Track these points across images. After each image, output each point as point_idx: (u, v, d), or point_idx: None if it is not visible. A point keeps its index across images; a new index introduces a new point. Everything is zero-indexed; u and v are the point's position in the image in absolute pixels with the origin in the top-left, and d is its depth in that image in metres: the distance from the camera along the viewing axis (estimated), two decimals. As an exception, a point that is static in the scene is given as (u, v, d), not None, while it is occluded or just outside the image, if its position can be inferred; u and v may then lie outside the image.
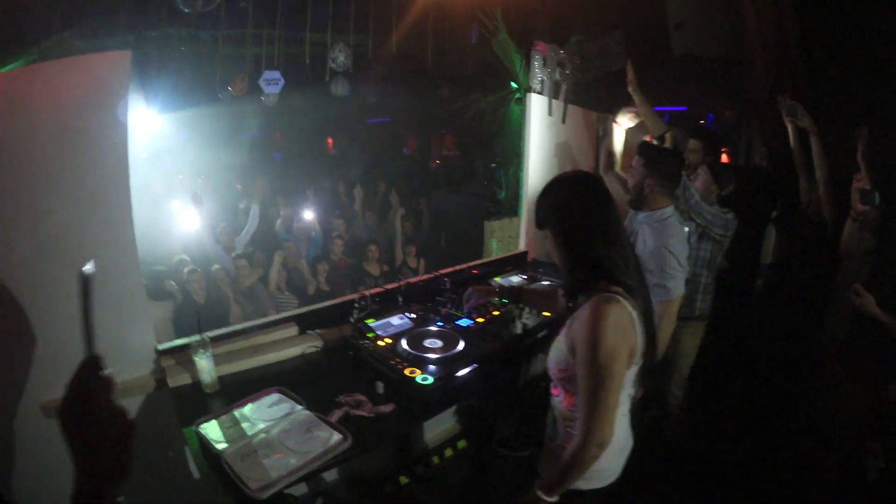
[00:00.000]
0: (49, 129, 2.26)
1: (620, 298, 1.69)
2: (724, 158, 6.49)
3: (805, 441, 3.43)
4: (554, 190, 1.89)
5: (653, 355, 1.87)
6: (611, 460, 1.90)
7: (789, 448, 3.57)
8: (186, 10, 5.81)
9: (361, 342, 2.64)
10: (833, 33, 4.31)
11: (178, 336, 2.78)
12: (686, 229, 3.21)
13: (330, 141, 8.16)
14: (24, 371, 2.40)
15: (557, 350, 1.86)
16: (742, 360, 4.22)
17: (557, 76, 4.47)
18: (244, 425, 2.10)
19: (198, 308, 4.05)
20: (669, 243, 2.74)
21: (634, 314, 1.71)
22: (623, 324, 1.68)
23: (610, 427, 1.68)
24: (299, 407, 2.20)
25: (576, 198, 1.83)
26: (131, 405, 2.63)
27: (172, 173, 5.97)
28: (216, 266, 4.45)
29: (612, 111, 4.80)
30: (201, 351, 2.38)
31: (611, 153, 4.67)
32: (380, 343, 2.63)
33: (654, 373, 2.10)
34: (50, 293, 2.35)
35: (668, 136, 3.86)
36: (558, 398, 1.93)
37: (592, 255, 1.76)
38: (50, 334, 2.40)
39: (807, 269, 3.78)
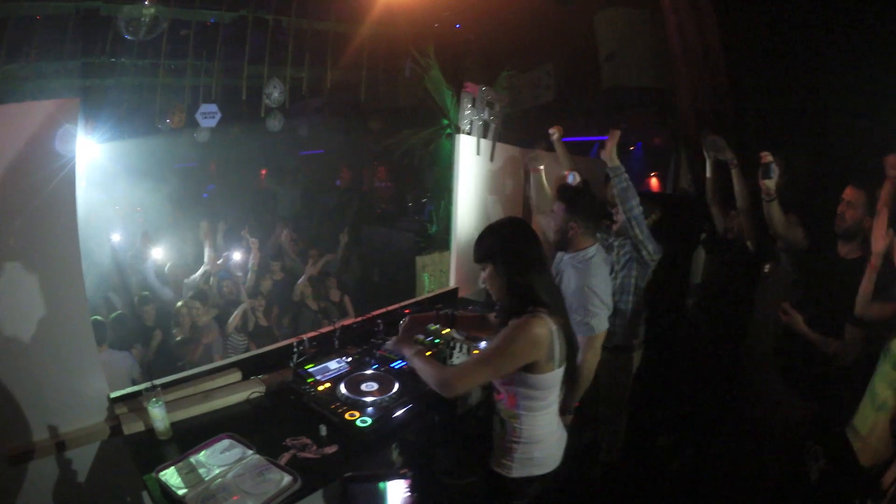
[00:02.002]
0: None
1: (544, 315, 2.16)
2: (654, 183, 6.89)
3: (745, 448, 3.69)
4: (493, 232, 2.37)
5: (573, 370, 2.38)
6: (551, 449, 2.40)
7: (730, 456, 3.86)
8: (129, 38, 5.92)
9: (303, 387, 2.86)
10: (760, 62, 4.55)
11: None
12: (610, 262, 3.50)
13: (263, 172, 8.25)
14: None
15: None
16: (676, 375, 4.50)
17: (486, 115, 4.66)
18: (201, 471, 2.29)
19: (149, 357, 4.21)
20: (592, 282, 3.01)
21: (554, 328, 2.18)
22: (542, 333, 2.14)
23: (462, 385, 2.27)
24: (250, 451, 2.40)
25: (512, 238, 2.31)
26: (87, 453, 2.74)
27: (108, 204, 6.04)
28: (180, 303, 4.63)
29: (527, 153, 5.03)
30: (153, 400, 2.52)
31: (538, 196, 4.86)
32: (320, 388, 2.85)
33: (573, 391, 2.56)
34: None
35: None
36: (502, 401, 2.35)
37: (525, 284, 2.21)
38: (4, 381, 2.50)
39: (730, 288, 4.03)
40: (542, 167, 4.77)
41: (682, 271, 4.91)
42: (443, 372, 2.28)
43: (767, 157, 3.27)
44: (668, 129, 6.23)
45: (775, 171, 3.24)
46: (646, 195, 3.86)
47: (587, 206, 3.23)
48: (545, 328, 2.15)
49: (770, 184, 3.26)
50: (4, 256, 2.43)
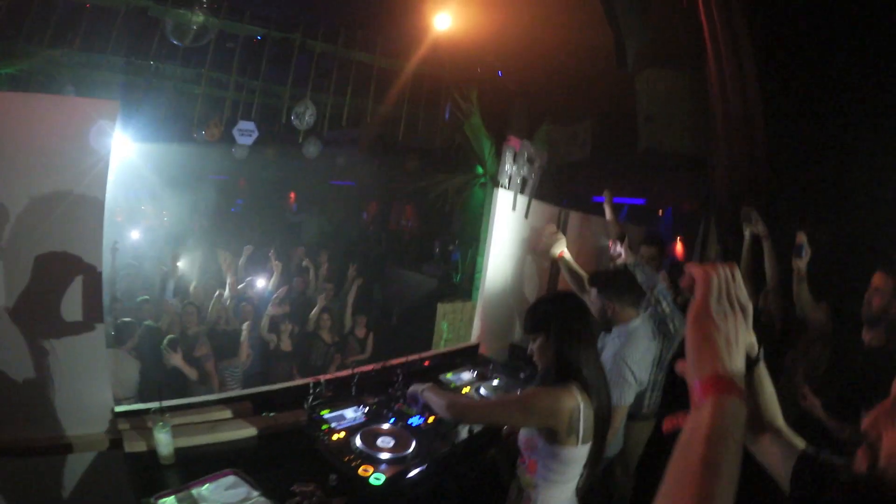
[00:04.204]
0: (30, 162, 2.37)
1: (575, 390, 2.15)
2: (679, 249, 6.78)
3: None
4: (549, 304, 2.43)
5: (599, 449, 2.30)
6: None
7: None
8: (175, 42, 5.93)
9: (317, 433, 2.74)
10: (799, 133, 4.51)
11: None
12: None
13: (292, 196, 8.22)
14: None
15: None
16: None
17: (525, 171, 4.60)
18: (202, 506, 2.18)
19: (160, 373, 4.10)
20: (626, 353, 3.00)
21: (583, 404, 2.14)
22: (565, 406, 2.11)
23: (468, 413, 2.45)
24: (255, 493, 2.27)
25: (567, 312, 2.30)
26: (82, 461, 2.66)
27: (135, 203, 6.01)
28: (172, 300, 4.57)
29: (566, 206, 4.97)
30: (160, 424, 2.43)
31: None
32: (334, 437, 2.72)
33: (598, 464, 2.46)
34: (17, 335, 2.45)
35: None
36: (523, 465, 2.31)
37: (572, 359, 2.19)
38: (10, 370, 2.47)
39: None
40: (561, 249, 4.20)
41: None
42: (456, 397, 2.40)
43: (801, 237, 3.31)
44: (700, 196, 6.16)
45: (807, 251, 3.29)
46: (679, 271, 3.78)
47: (621, 285, 3.24)
48: (572, 402, 2.13)
49: (801, 264, 3.31)
50: (30, 245, 2.44)
